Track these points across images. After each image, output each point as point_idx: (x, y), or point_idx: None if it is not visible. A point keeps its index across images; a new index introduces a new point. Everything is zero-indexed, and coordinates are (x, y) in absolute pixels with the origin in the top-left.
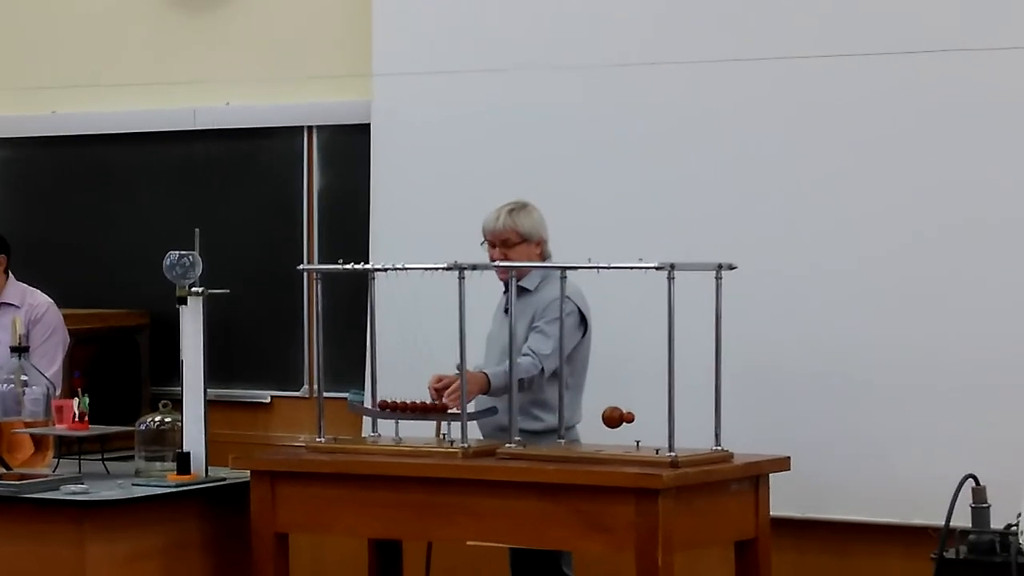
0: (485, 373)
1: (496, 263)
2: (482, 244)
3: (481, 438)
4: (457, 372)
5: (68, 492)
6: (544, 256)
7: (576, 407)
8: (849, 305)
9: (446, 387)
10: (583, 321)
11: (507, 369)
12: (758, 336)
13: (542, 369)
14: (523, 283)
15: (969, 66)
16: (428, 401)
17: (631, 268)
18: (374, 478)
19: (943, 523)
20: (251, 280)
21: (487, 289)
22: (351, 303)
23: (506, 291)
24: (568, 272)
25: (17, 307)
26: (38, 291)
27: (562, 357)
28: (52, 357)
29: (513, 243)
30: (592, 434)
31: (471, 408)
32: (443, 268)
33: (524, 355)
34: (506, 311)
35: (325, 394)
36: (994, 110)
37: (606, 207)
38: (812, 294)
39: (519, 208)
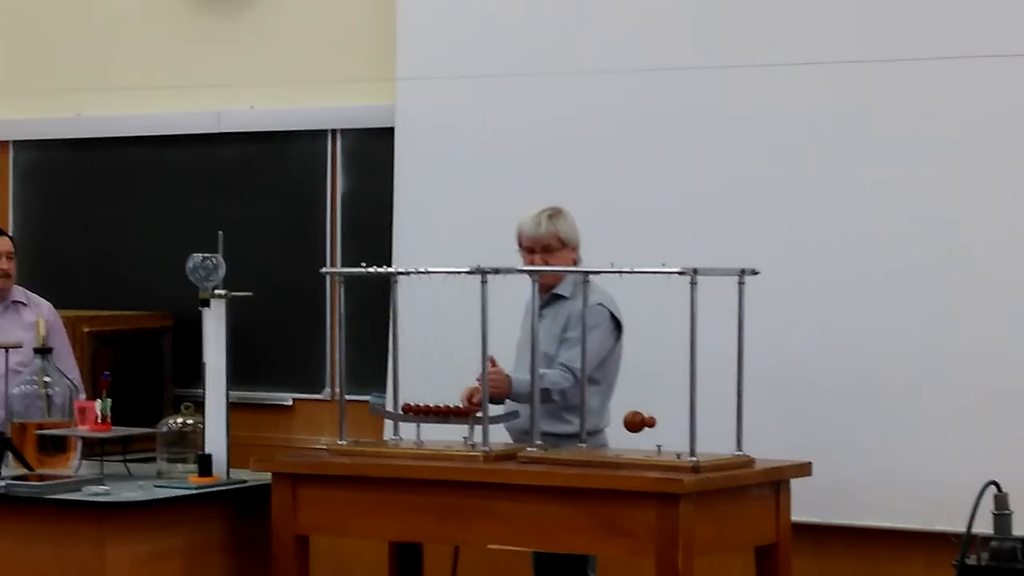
0: (510, 377)
1: (518, 268)
2: (518, 250)
3: (509, 441)
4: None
5: (90, 493)
6: (577, 262)
7: (605, 411)
8: (871, 311)
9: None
10: (617, 327)
11: (528, 379)
12: (780, 342)
13: (573, 376)
14: (558, 290)
15: (1000, 74)
16: (450, 404)
17: (654, 273)
18: (395, 481)
19: (964, 529)
20: (274, 283)
21: (509, 293)
22: (373, 306)
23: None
24: (597, 278)
25: (25, 304)
26: (30, 292)
27: (584, 363)
28: (73, 360)
29: (554, 249)
30: (614, 438)
31: (498, 410)
32: (466, 272)
33: (560, 371)
34: (539, 318)
35: (347, 397)
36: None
37: (630, 212)
38: (835, 300)
39: (557, 213)
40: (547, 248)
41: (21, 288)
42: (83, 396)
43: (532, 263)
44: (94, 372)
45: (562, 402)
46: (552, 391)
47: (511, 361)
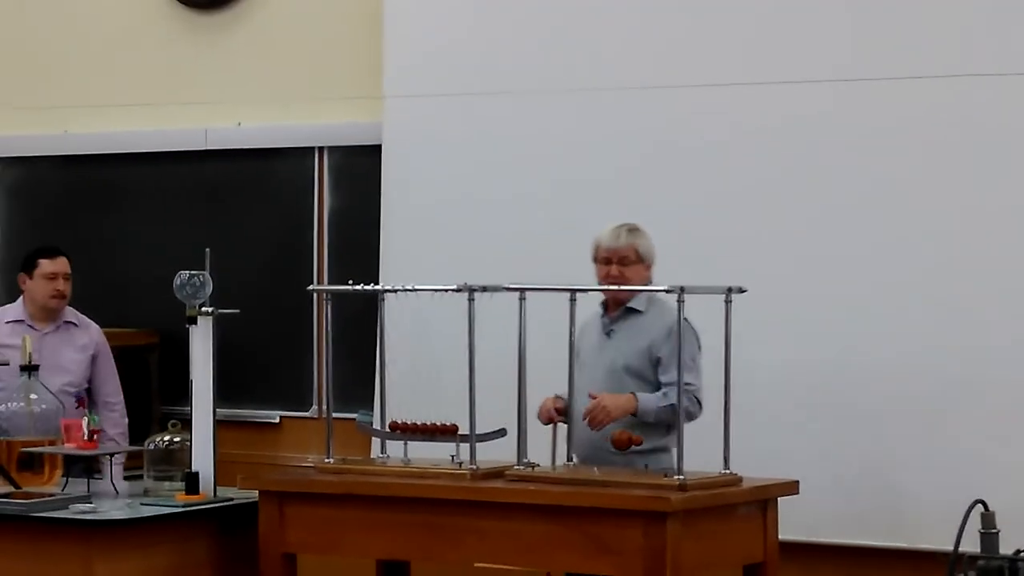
0: (634, 395)
1: (505, 286)
2: (594, 261)
3: (497, 459)
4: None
5: (76, 511)
6: (650, 280)
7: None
8: (859, 330)
9: (563, 411)
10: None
11: (655, 397)
12: (768, 360)
13: (699, 403)
14: (633, 304)
15: (994, 91)
16: (437, 422)
17: (642, 291)
18: (382, 499)
19: (952, 548)
20: (261, 300)
21: (497, 310)
22: (361, 324)
23: (605, 313)
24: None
25: (76, 325)
26: (79, 312)
27: (571, 382)
28: (117, 383)
29: (631, 261)
30: None
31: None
32: (453, 290)
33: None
34: (608, 334)
35: (334, 414)
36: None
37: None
38: (822, 319)
39: (636, 228)
40: (623, 260)
41: (72, 309)
42: (125, 420)
43: (608, 275)
44: None
45: (686, 422)
46: (684, 414)
47: (495, 375)
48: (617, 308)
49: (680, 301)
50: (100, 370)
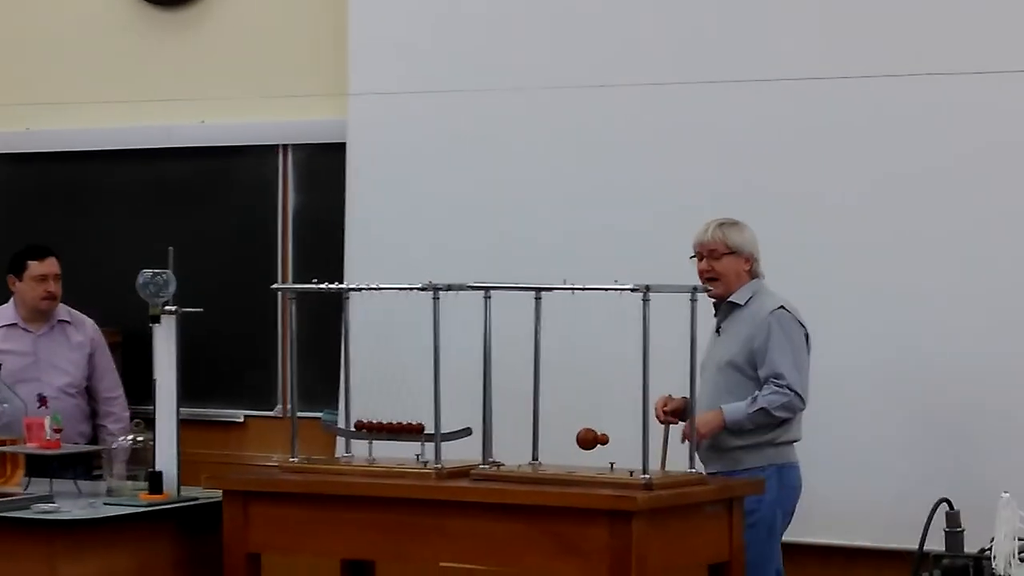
0: (721, 409)
1: (470, 284)
2: (691, 258)
3: (463, 458)
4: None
5: (38, 511)
6: (753, 275)
7: (797, 423)
8: (824, 326)
9: (675, 411)
10: (803, 329)
11: (743, 404)
12: None
13: (802, 399)
14: (733, 298)
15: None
16: (402, 421)
17: (606, 290)
18: (347, 498)
19: (917, 547)
20: (225, 299)
21: (462, 309)
22: (325, 323)
23: (716, 311)
24: (765, 286)
25: (69, 322)
26: (72, 308)
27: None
28: (116, 377)
29: (720, 254)
30: (566, 456)
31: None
32: (418, 288)
33: (773, 388)
34: (718, 331)
35: (299, 414)
36: None
37: (585, 227)
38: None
39: (730, 223)
40: (712, 253)
41: (64, 306)
42: (127, 414)
43: (701, 269)
44: None
45: (788, 416)
46: (770, 410)
47: (458, 374)
48: (718, 305)
49: (645, 300)
50: (98, 365)
